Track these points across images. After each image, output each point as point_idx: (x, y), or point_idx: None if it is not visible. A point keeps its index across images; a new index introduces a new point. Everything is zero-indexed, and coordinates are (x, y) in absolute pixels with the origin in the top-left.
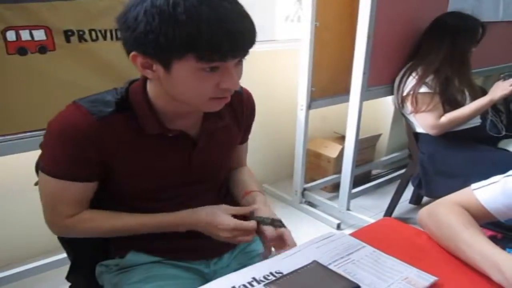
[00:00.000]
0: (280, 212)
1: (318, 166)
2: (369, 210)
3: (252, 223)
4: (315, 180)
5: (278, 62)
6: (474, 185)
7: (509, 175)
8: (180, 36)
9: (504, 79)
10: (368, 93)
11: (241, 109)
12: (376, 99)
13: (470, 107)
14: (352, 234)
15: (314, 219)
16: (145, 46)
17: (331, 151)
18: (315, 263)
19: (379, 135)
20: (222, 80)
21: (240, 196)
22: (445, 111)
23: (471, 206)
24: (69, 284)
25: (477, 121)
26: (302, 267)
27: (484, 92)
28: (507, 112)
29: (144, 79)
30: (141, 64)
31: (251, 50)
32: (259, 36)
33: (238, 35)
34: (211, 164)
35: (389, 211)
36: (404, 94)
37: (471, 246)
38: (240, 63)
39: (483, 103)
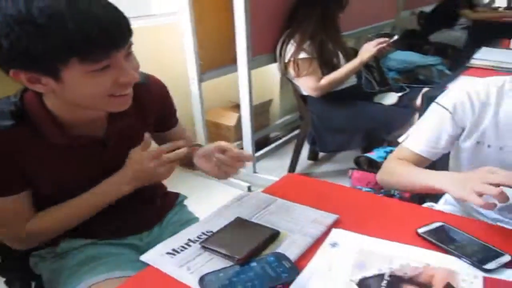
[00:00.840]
0: (193, 183)
1: (219, 135)
2: (274, 170)
3: (167, 145)
4: None
5: (161, 37)
6: (400, 139)
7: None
8: (52, 44)
9: (370, 40)
10: (254, 62)
11: (148, 100)
12: (263, 67)
13: (345, 68)
14: (264, 191)
15: (226, 185)
16: (20, 61)
17: (229, 119)
18: (239, 218)
19: (270, 101)
20: (117, 76)
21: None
22: (324, 74)
23: (406, 156)
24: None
25: (353, 80)
26: (229, 224)
27: (356, 53)
28: (378, 69)
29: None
30: (27, 79)
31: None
32: (135, 12)
33: (110, 27)
34: (123, 161)
35: (291, 169)
36: (286, 60)
37: (421, 172)
38: (130, 54)
39: (355, 64)
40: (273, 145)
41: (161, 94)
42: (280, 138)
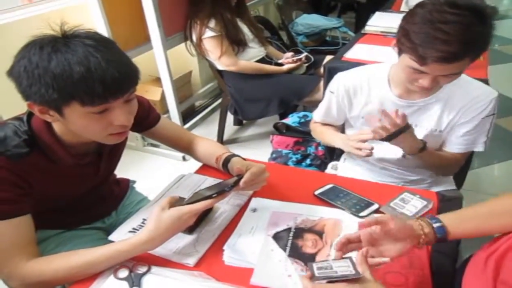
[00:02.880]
0: (129, 158)
1: None
2: None
3: (203, 203)
4: None
5: (71, 20)
6: (313, 113)
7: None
8: (59, 87)
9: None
10: (169, 42)
11: None
12: None
13: (269, 68)
14: (196, 172)
15: (161, 156)
16: (33, 97)
17: (153, 94)
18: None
19: (190, 72)
20: (113, 119)
21: (215, 164)
22: (235, 51)
23: (316, 123)
24: None
25: (262, 53)
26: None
27: (266, 23)
28: (288, 34)
29: None
30: (38, 110)
31: None
32: None
33: (111, 80)
34: (113, 166)
35: (219, 137)
36: (195, 40)
37: (328, 135)
38: (130, 100)
39: (278, 69)
40: (199, 116)
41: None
42: (205, 108)
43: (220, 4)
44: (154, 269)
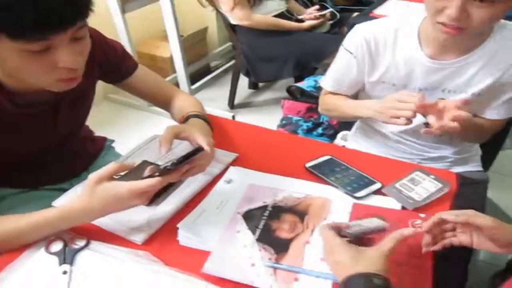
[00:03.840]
0: (134, 118)
1: (155, 67)
2: (214, 101)
3: (146, 182)
4: None
5: None
6: (322, 80)
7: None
8: None
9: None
10: None
11: (91, 53)
12: None
13: (286, 24)
14: None
15: (160, 116)
16: None
17: (163, 50)
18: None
19: (205, 29)
20: (57, 60)
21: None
22: (251, 3)
23: (327, 93)
24: None
25: (282, 7)
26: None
27: None
28: None
29: None
30: None
31: None
32: None
33: (47, 8)
34: (79, 119)
35: (231, 100)
36: None
37: (350, 106)
38: (79, 38)
39: (296, 26)
40: (209, 76)
41: (97, 40)
42: (220, 67)
43: None
44: (94, 244)
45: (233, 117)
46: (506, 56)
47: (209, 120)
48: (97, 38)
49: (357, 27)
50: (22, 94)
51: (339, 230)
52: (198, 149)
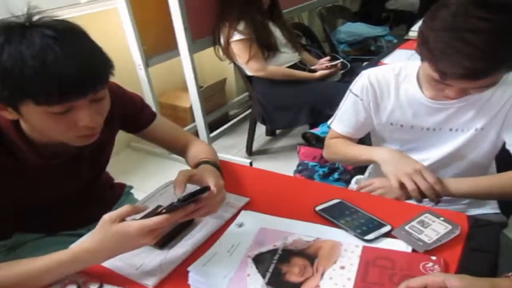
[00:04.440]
0: (155, 165)
1: (176, 117)
2: (233, 148)
3: (153, 219)
4: None
5: (100, 26)
6: (329, 121)
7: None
8: (9, 84)
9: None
10: (195, 45)
11: (112, 106)
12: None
13: (299, 74)
14: None
15: (180, 163)
16: None
17: (184, 101)
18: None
19: (224, 80)
20: (78, 120)
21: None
22: (265, 56)
23: (336, 136)
24: None
25: (295, 58)
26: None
27: (306, 30)
28: (328, 42)
29: None
30: None
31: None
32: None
33: (68, 78)
34: (99, 169)
35: (248, 147)
36: (222, 43)
37: (356, 150)
38: (98, 100)
39: (309, 76)
40: (228, 124)
41: (117, 94)
42: (238, 115)
43: (251, 6)
44: (107, 287)
45: (251, 163)
46: (502, 95)
47: (219, 166)
48: (118, 92)
49: (363, 72)
50: (47, 147)
51: None
52: (205, 188)
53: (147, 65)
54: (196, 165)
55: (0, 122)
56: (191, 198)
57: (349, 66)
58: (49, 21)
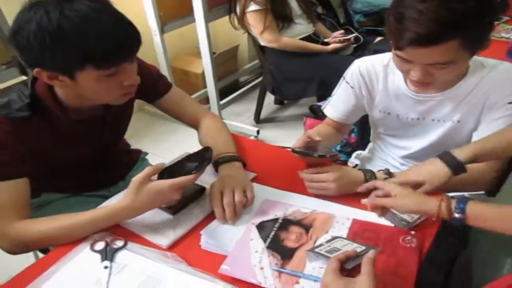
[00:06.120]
0: (167, 129)
1: (188, 82)
2: (241, 115)
3: (182, 179)
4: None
5: None
6: (323, 106)
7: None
8: (74, 52)
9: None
10: (211, 14)
11: None
12: None
13: (313, 47)
14: None
15: (193, 129)
16: (45, 63)
17: (196, 66)
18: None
19: (236, 47)
20: (124, 79)
21: None
22: (280, 27)
23: (329, 121)
24: None
25: (310, 30)
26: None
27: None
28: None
29: None
30: (47, 77)
31: None
32: None
33: (124, 43)
34: (119, 133)
35: (256, 115)
36: (238, 13)
37: None
38: (134, 61)
39: (322, 49)
40: (238, 92)
41: (140, 66)
42: (248, 83)
43: None
44: (130, 245)
45: (258, 131)
46: (482, 87)
47: (237, 157)
48: (140, 63)
49: (355, 61)
50: (77, 111)
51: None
52: (207, 149)
53: (162, 31)
54: (216, 164)
55: (37, 90)
56: (204, 162)
57: (362, 40)
58: None
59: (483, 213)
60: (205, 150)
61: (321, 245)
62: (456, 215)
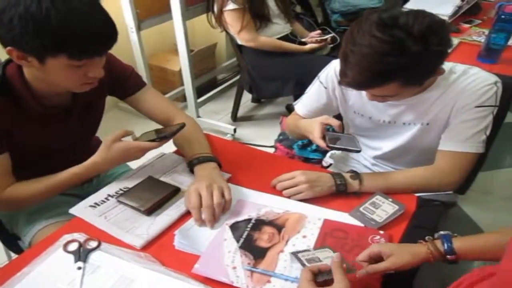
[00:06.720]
0: (141, 126)
1: (165, 80)
2: (219, 114)
3: (147, 144)
4: (166, 93)
5: None
6: (295, 103)
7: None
8: (53, 40)
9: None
10: (188, 12)
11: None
12: None
13: (289, 46)
14: (174, 152)
15: None
16: (21, 45)
17: (174, 64)
18: (150, 177)
19: (214, 44)
20: (89, 71)
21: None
22: (257, 26)
23: (295, 116)
24: None
25: (287, 30)
26: (141, 182)
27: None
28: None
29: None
30: (16, 56)
31: None
32: None
33: (103, 37)
34: (90, 127)
35: (234, 113)
36: (215, 12)
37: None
38: (103, 56)
39: (299, 48)
40: (215, 90)
41: (110, 60)
42: (226, 81)
43: None
44: (104, 245)
45: (235, 130)
46: (450, 92)
47: (213, 157)
48: (109, 58)
49: (332, 62)
50: (44, 96)
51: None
52: (182, 125)
53: (139, 28)
54: (190, 164)
55: (7, 72)
56: (173, 135)
57: (338, 40)
58: None
59: (472, 249)
60: (180, 126)
61: (307, 250)
62: (449, 257)
